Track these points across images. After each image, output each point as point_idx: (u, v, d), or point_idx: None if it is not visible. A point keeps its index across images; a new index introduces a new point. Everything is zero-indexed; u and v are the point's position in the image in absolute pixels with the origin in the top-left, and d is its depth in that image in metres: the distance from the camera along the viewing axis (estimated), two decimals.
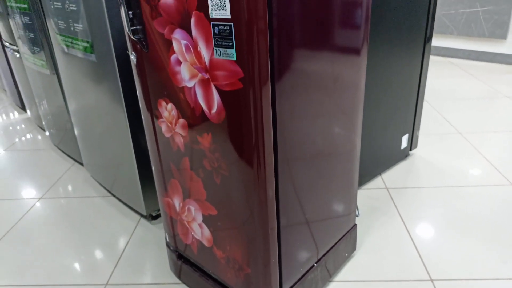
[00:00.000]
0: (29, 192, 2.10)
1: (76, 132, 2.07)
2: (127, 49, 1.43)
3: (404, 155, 2.15)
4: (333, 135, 1.15)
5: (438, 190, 1.87)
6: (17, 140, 2.79)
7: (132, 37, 1.06)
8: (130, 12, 1.04)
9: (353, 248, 1.48)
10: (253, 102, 0.87)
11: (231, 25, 0.81)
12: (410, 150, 2.18)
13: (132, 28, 1.05)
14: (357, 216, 1.69)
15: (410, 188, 1.90)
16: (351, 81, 1.14)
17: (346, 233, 1.41)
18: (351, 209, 1.39)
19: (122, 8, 1.04)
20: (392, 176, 2.03)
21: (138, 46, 1.09)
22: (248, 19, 0.79)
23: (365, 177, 1.95)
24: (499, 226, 1.58)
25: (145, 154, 1.63)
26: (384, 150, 1.98)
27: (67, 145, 2.39)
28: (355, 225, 1.45)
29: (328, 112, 1.10)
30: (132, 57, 1.12)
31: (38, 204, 1.98)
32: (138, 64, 1.12)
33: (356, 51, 1.12)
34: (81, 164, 2.39)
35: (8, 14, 2.28)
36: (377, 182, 1.98)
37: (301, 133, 1.02)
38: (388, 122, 1.92)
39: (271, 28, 0.83)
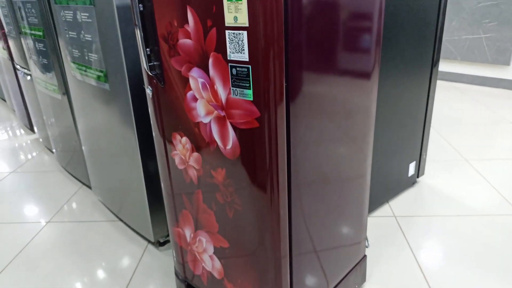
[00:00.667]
0: (36, 216, 2.10)
1: (85, 155, 2.09)
2: (140, 80, 1.46)
3: (411, 182, 2.15)
4: (344, 162, 1.16)
5: (447, 219, 1.86)
6: (24, 161, 2.81)
7: (149, 73, 1.09)
8: (148, 49, 1.07)
9: (363, 279, 1.47)
10: (269, 141, 0.89)
11: (248, 67, 0.84)
12: (417, 177, 2.18)
13: (149, 64, 1.08)
14: (367, 247, 1.68)
15: (419, 217, 1.90)
16: (363, 107, 1.16)
17: (356, 264, 1.40)
18: (362, 237, 1.39)
19: (140, 45, 1.07)
20: (400, 203, 2.02)
21: (154, 81, 1.11)
22: (265, 62, 0.82)
23: (373, 204, 1.95)
24: (511, 257, 1.57)
25: (154, 181, 1.64)
26: (391, 177, 1.99)
27: (75, 167, 2.41)
28: (365, 256, 1.45)
29: (340, 140, 1.11)
30: (148, 91, 1.15)
31: (45, 228, 1.98)
32: (153, 98, 1.14)
33: (367, 77, 1.13)
34: (89, 187, 2.40)
35: (20, 38, 2.33)
36: (385, 209, 1.97)
37: (314, 163, 1.04)
38: (395, 149, 1.93)
39: (287, 70, 0.85)
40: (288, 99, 0.88)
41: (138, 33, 1.05)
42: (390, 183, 1.99)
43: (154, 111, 1.16)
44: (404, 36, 1.74)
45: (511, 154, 2.51)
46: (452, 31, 3.72)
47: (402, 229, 1.81)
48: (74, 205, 2.20)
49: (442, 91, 3.82)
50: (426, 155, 2.16)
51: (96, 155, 1.95)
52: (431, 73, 1.99)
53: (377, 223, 1.86)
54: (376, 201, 1.96)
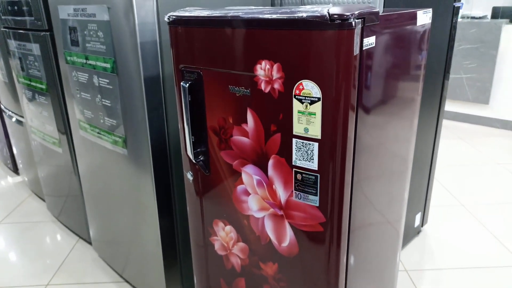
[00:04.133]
0: (32, 278, 1.97)
1: (87, 208, 2.00)
2: (162, 148, 1.42)
3: (417, 231, 2.19)
4: (388, 230, 1.17)
5: (458, 272, 1.91)
6: (11, 210, 2.65)
7: (194, 161, 1.06)
8: (193, 137, 1.05)
9: None
10: (332, 245, 0.88)
11: (317, 176, 0.83)
12: (422, 226, 2.23)
13: (194, 151, 1.06)
14: None
15: (430, 270, 1.93)
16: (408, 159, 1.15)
17: None
18: None
19: (186, 133, 1.04)
20: (409, 256, 2.05)
21: (197, 167, 1.08)
22: (335, 173, 0.82)
23: None
24: None
25: (171, 242, 1.59)
26: None
27: (69, 217, 2.29)
28: None
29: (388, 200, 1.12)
30: (189, 176, 1.12)
31: None
32: (195, 184, 1.11)
33: (411, 127, 1.12)
34: (85, 240, 2.29)
35: (15, 84, 2.23)
36: None
37: (366, 246, 1.04)
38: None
39: (352, 177, 0.85)
40: (351, 206, 0.88)
41: (185, 123, 1.03)
42: None
43: (195, 196, 1.13)
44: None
45: (504, 197, 2.62)
46: None
47: (415, 284, 1.83)
48: (73, 263, 2.08)
49: None
50: (429, 205, 2.22)
51: (101, 209, 1.86)
52: (438, 114, 2.02)
53: None
54: None
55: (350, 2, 1.30)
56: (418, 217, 2.14)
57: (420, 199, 2.11)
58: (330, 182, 0.83)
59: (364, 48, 0.77)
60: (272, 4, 1.58)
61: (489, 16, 4.07)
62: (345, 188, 0.83)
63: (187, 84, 0.98)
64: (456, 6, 1.85)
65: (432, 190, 2.81)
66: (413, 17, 0.97)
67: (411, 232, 2.13)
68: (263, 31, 0.81)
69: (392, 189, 1.10)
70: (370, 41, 0.78)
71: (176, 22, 0.98)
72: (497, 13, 3.91)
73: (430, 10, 1.06)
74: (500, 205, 2.54)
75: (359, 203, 0.91)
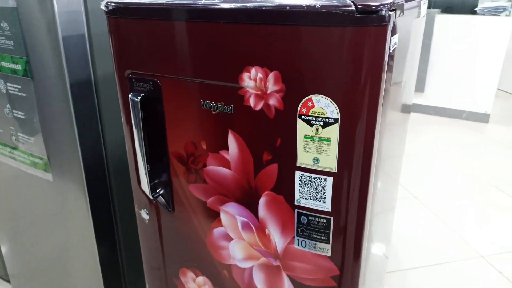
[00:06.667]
0: None
1: (1, 245, 1.61)
2: (97, 173, 1.13)
3: None
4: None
5: (420, 269, 1.86)
6: None
7: (150, 196, 0.80)
8: (148, 165, 0.79)
9: None
10: None
11: (330, 219, 0.63)
12: None
13: (151, 184, 0.79)
14: None
15: (392, 272, 1.86)
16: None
17: None
18: None
19: (139, 158, 0.77)
20: None
21: (154, 202, 0.83)
22: (352, 214, 0.62)
23: None
24: None
25: (113, 275, 1.30)
26: None
27: None
28: None
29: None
30: (144, 215, 0.85)
31: None
32: (153, 225, 0.85)
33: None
34: (2, 277, 1.88)
35: None
36: None
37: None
38: None
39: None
40: (364, 260, 0.70)
41: (137, 147, 0.76)
42: None
43: (154, 239, 0.87)
44: None
45: (453, 188, 2.68)
46: None
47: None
48: None
49: None
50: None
51: (20, 240, 1.50)
52: None
53: None
54: None
55: None
56: None
57: None
58: (347, 226, 0.63)
59: (391, 50, 0.58)
60: None
61: None
62: (364, 232, 0.65)
63: (139, 98, 0.72)
64: None
65: None
66: (419, 8, 0.80)
67: None
68: (254, 27, 0.57)
69: (389, 208, 0.94)
70: (395, 40, 0.59)
71: (118, 11, 0.70)
72: (429, 2, 4.02)
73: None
74: (450, 196, 2.59)
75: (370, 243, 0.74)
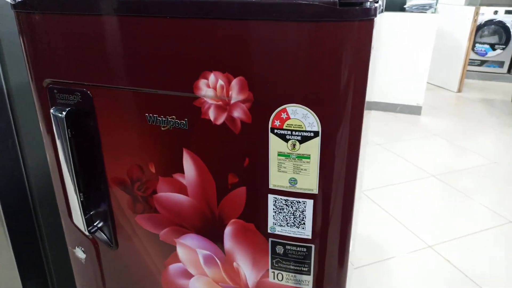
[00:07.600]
0: None
1: None
2: (20, 197, 0.94)
3: None
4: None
5: (369, 267, 1.86)
6: None
7: (86, 232, 0.65)
8: (81, 194, 0.64)
9: None
10: None
11: (311, 247, 0.54)
12: None
13: (86, 217, 0.65)
14: None
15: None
16: None
17: None
18: None
19: (69, 186, 0.62)
20: None
21: (91, 238, 0.68)
22: (334, 240, 0.54)
23: None
24: None
25: None
26: None
27: None
28: None
29: None
30: (79, 254, 0.70)
31: None
32: (91, 264, 0.70)
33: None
34: None
35: None
36: None
37: None
38: None
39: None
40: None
41: (66, 173, 0.61)
42: None
43: (93, 280, 0.72)
44: None
45: (396, 178, 2.75)
46: None
47: None
48: None
49: None
50: None
51: None
52: None
53: None
54: None
55: None
56: None
57: None
58: (329, 253, 0.54)
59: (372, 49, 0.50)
60: None
61: None
62: (348, 256, 0.56)
63: (64, 113, 0.57)
64: None
65: None
66: (383, 2, 0.74)
67: None
68: (212, 23, 0.46)
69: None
70: (376, 38, 0.51)
71: (30, 5, 0.55)
72: None
73: None
74: (394, 187, 2.66)
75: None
